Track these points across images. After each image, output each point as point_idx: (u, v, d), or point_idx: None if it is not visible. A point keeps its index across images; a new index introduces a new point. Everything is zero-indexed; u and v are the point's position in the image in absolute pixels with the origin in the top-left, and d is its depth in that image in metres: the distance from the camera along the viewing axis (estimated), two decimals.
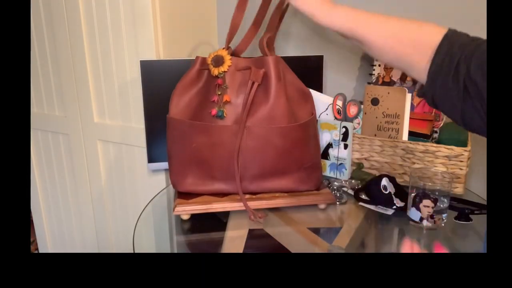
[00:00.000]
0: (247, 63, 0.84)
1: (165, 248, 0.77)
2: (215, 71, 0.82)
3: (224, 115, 0.82)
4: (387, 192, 0.89)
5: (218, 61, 0.83)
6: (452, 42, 0.59)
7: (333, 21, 0.67)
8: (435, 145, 0.92)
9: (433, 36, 0.60)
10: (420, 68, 0.61)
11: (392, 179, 0.92)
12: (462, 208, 0.84)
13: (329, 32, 1.22)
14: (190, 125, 0.83)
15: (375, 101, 1.01)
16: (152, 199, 0.98)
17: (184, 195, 0.86)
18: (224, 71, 0.83)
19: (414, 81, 1.05)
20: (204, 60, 0.87)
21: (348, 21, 0.67)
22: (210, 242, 0.78)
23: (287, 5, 0.89)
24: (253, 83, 0.80)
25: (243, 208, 0.83)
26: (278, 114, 0.81)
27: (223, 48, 0.85)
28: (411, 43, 0.62)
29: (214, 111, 0.82)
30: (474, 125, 0.58)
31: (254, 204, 0.84)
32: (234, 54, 0.87)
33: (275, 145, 0.82)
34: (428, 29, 0.62)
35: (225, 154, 0.82)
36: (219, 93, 0.82)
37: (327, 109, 1.06)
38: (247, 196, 0.85)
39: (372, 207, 0.90)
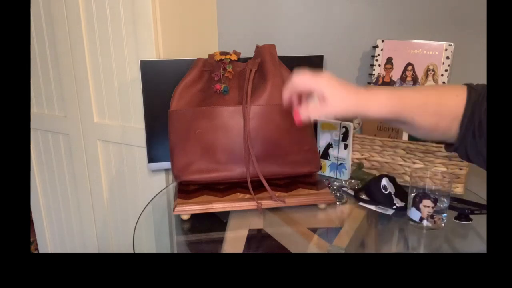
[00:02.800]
0: (245, 64, 0.93)
1: (165, 248, 0.77)
2: (222, 57, 0.92)
3: (228, 91, 0.89)
4: (387, 192, 0.89)
5: (225, 53, 0.94)
6: (474, 101, 0.59)
7: (379, 111, 0.59)
8: (435, 145, 0.92)
9: (459, 102, 0.60)
10: (455, 133, 0.61)
11: (392, 179, 0.92)
12: (462, 208, 0.84)
13: (329, 32, 1.22)
14: (193, 112, 0.87)
15: None
16: (152, 199, 0.98)
17: (184, 195, 0.86)
18: (230, 58, 0.92)
19: (414, 81, 1.05)
20: (205, 61, 0.93)
21: (393, 106, 0.59)
22: (210, 242, 0.78)
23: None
24: (250, 70, 0.88)
25: (243, 208, 0.83)
26: (276, 93, 0.87)
27: None
28: (450, 117, 0.60)
29: (218, 86, 0.88)
30: None
31: (253, 204, 0.84)
32: None
33: (276, 124, 0.86)
34: (452, 97, 0.60)
35: (229, 137, 0.85)
36: (223, 73, 0.90)
37: None
38: (247, 196, 0.85)
39: (372, 207, 0.90)
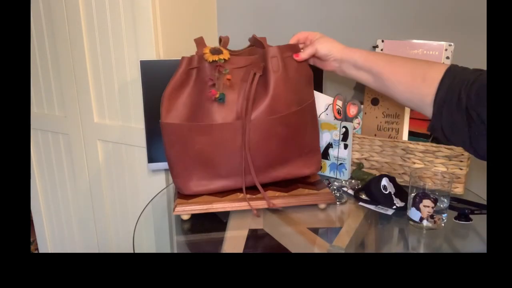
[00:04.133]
0: (246, 60, 0.84)
1: (165, 248, 0.77)
2: (215, 58, 0.80)
3: (225, 99, 0.80)
4: (387, 192, 0.88)
5: (216, 51, 0.82)
6: (454, 74, 0.65)
7: (352, 54, 0.79)
8: (435, 145, 0.92)
9: (439, 70, 0.66)
10: (429, 102, 0.67)
11: (392, 179, 0.92)
12: (462, 208, 0.84)
13: (329, 32, 1.22)
14: (190, 128, 0.81)
15: (375, 101, 1.01)
16: (152, 199, 0.98)
17: (184, 195, 0.86)
18: (224, 58, 0.81)
19: None
20: (190, 59, 0.83)
21: (365, 54, 0.77)
22: (210, 242, 0.78)
23: None
24: (254, 74, 0.81)
25: (243, 208, 0.83)
26: (278, 104, 0.82)
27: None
28: (421, 76, 0.68)
29: (214, 92, 0.79)
30: (482, 151, 0.61)
31: (254, 204, 0.84)
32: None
33: (278, 135, 0.84)
34: (436, 65, 0.68)
35: (230, 151, 0.82)
36: (218, 76, 0.80)
37: (327, 109, 1.06)
38: (248, 196, 0.85)
39: (372, 207, 0.90)
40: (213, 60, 0.80)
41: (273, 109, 0.82)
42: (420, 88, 0.68)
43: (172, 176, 0.87)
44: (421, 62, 0.70)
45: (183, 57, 0.83)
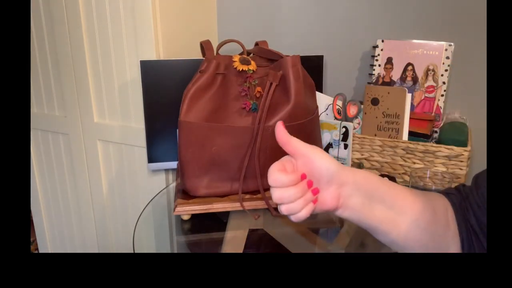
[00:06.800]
0: (265, 69, 0.88)
1: (165, 248, 0.77)
2: (245, 67, 0.85)
3: (257, 108, 0.83)
4: None
5: (246, 61, 0.86)
6: (462, 209, 0.53)
7: (361, 179, 0.49)
8: (435, 145, 0.92)
9: (448, 211, 0.52)
10: (455, 243, 0.53)
11: (392, 179, 0.92)
12: None
13: (329, 32, 1.22)
14: (210, 128, 0.82)
15: (375, 101, 1.01)
16: (152, 199, 0.98)
17: (184, 195, 0.86)
18: (253, 69, 0.86)
19: (414, 81, 1.05)
20: (217, 64, 0.84)
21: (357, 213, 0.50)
22: (210, 242, 0.78)
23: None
24: (271, 84, 0.83)
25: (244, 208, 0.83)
26: (298, 112, 0.84)
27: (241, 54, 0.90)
28: (441, 231, 0.52)
29: (248, 103, 0.83)
30: None
31: (254, 204, 0.84)
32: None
33: None
34: (441, 208, 0.52)
35: (244, 155, 0.83)
36: (248, 86, 0.85)
37: (327, 109, 1.06)
38: (248, 196, 0.85)
39: None
40: (242, 70, 0.84)
41: (293, 116, 0.84)
42: (445, 238, 0.52)
43: (182, 177, 0.86)
44: (429, 210, 0.51)
45: (208, 60, 0.84)
